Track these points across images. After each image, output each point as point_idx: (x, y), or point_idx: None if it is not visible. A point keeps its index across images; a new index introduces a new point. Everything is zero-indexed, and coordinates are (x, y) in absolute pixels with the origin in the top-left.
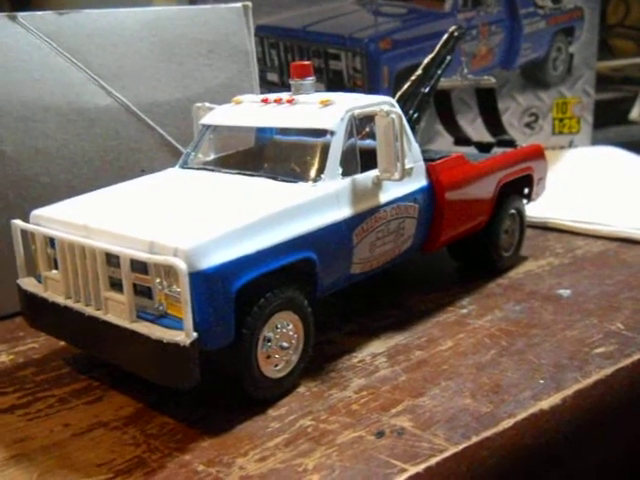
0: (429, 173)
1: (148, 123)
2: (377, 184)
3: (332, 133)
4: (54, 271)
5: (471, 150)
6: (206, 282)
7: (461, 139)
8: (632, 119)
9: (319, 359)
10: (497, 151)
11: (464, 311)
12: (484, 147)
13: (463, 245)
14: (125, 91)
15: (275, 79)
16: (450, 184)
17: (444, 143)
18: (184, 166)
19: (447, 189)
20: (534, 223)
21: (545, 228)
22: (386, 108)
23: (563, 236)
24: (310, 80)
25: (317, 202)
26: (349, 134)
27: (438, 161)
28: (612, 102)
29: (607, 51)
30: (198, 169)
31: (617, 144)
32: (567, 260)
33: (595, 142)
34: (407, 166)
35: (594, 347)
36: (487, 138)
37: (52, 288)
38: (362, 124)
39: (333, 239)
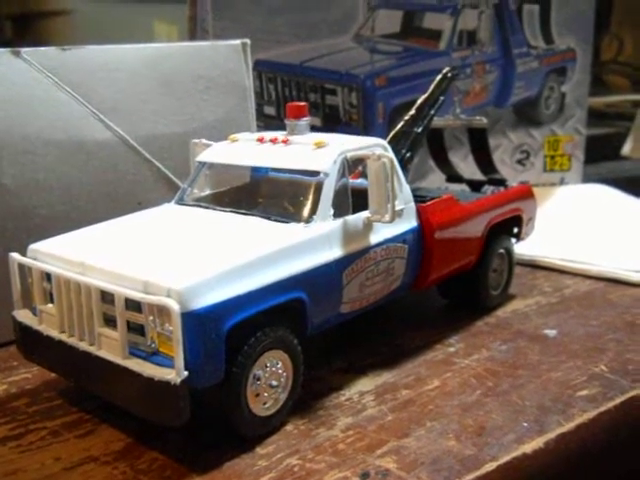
0: (419, 214)
1: (146, 157)
2: (368, 225)
3: (325, 175)
4: (50, 305)
5: (463, 187)
6: (198, 322)
7: (453, 177)
8: (624, 155)
9: (307, 396)
10: (488, 189)
11: (451, 349)
12: (475, 185)
13: (452, 283)
14: (124, 125)
15: (272, 112)
16: (439, 225)
17: (436, 179)
18: (180, 202)
19: (436, 230)
20: (523, 261)
21: (534, 266)
22: (378, 151)
23: (552, 274)
24: (305, 121)
25: (309, 243)
26: (341, 176)
27: (428, 202)
28: (605, 137)
29: (601, 87)
30: (193, 206)
31: (609, 179)
32: (554, 299)
33: (587, 177)
34: (397, 208)
35: (578, 389)
36: (479, 175)
37: (47, 321)
38: (355, 164)
39: (323, 280)
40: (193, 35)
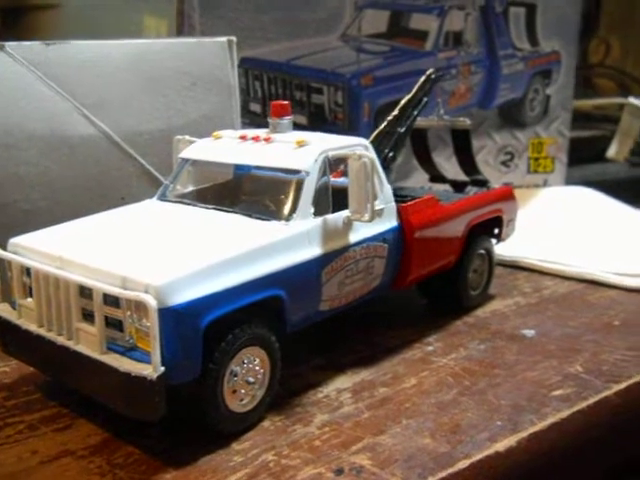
0: (399, 214)
1: (129, 152)
2: (347, 224)
3: (306, 174)
4: (29, 299)
5: (446, 187)
6: (175, 318)
7: (436, 177)
8: (609, 157)
9: (285, 393)
10: (471, 189)
11: (430, 348)
12: (458, 186)
13: (432, 283)
14: (108, 121)
15: (257, 109)
16: (420, 225)
17: (420, 178)
18: (162, 198)
19: (416, 230)
20: (504, 261)
21: (515, 267)
22: (359, 151)
23: (532, 275)
24: (287, 120)
25: (288, 241)
26: (322, 175)
27: (409, 202)
28: (590, 140)
29: (590, 89)
30: (175, 202)
31: (593, 182)
32: (533, 300)
33: (572, 179)
34: (378, 207)
35: (552, 389)
36: (463, 176)
37: (26, 316)
38: (336, 163)
39: (302, 277)
40: (181, 30)
